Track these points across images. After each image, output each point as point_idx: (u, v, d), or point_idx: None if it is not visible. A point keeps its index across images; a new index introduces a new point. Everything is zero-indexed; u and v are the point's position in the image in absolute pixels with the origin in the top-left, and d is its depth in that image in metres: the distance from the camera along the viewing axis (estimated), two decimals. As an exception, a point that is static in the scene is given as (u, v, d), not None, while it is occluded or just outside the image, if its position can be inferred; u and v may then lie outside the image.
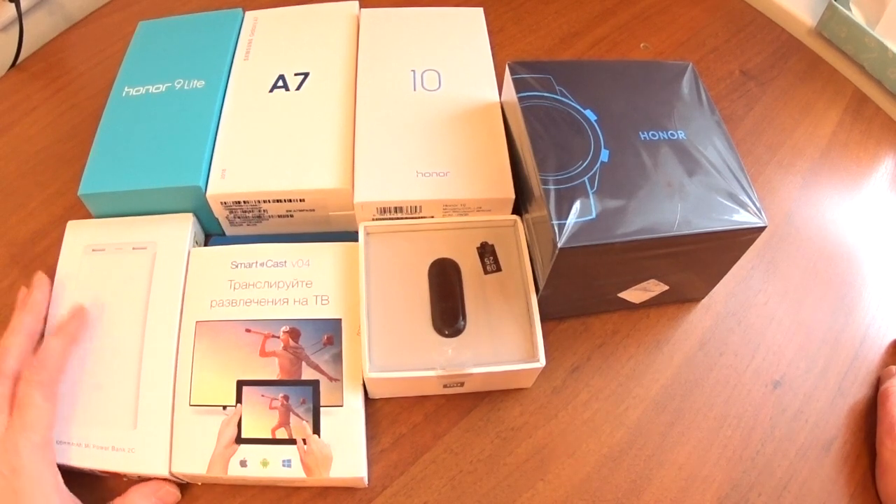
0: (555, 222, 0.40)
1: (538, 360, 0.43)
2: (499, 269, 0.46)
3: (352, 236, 0.47)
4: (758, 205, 0.43)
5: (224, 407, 0.42)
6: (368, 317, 0.44)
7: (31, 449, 0.36)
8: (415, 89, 0.52)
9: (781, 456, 0.45)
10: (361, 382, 0.43)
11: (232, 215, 0.49)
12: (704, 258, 0.45)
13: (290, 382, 0.42)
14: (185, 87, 0.51)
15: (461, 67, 0.53)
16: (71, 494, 0.38)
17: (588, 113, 0.46)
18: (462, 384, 0.44)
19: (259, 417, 0.41)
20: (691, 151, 0.44)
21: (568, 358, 0.48)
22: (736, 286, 0.52)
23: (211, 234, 0.52)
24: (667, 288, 0.47)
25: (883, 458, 0.44)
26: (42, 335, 0.43)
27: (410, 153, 0.48)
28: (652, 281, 0.46)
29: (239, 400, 0.42)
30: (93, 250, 0.46)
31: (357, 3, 0.58)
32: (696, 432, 0.46)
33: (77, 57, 0.62)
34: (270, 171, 0.48)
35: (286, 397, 0.42)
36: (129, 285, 0.45)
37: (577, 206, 0.41)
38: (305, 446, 0.41)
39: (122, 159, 0.48)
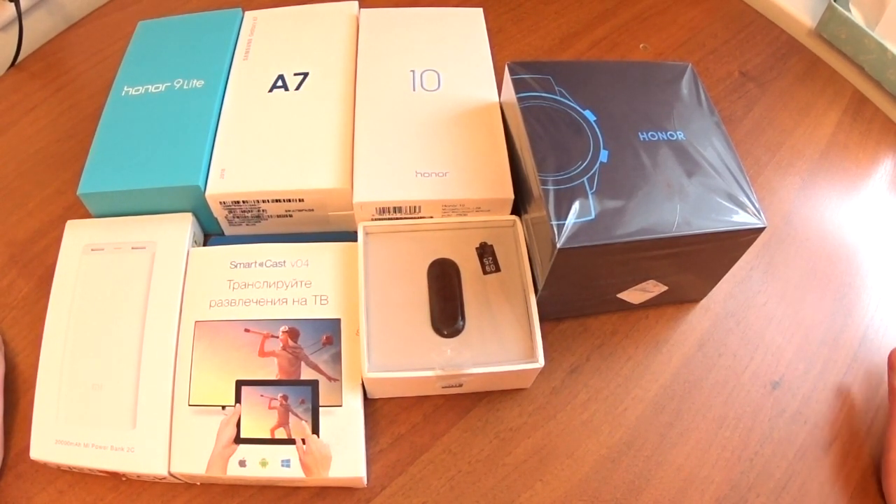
0: (554, 223, 0.40)
1: (537, 361, 0.43)
2: (498, 269, 0.46)
3: (351, 236, 0.47)
4: (757, 205, 0.43)
5: (223, 407, 0.42)
6: (367, 317, 0.44)
7: None
8: (414, 89, 0.52)
9: (780, 457, 0.45)
10: (360, 382, 0.43)
11: (231, 215, 0.49)
12: (703, 259, 0.45)
13: (289, 382, 0.42)
14: (185, 87, 0.51)
15: (461, 68, 0.53)
16: None
17: (587, 113, 0.46)
18: (461, 384, 0.44)
19: (258, 417, 0.41)
20: (690, 152, 0.44)
21: (567, 358, 0.48)
22: (735, 287, 0.52)
23: (210, 234, 0.52)
24: (666, 289, 0.47)
25: (890, 459, 0.43)
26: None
27: (410, 153, 0.48)
28: (651, 282, 0.46)
29: (238, 400, 0.42)
30: (92, 250, 0.46)
31: (356, 3, 0.58)
32: (695, 433, 0.46)
33: (76, 57, 0.62)
34: (269, 170, 0.48)
35: (285, 397, 0.42)
36: (129, 285, 0.45)
37: (576, 206, 0.41)
38: (304, 446, 0.41)
39: (121, 159, 0.48)
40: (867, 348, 0.50)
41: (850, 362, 0.49)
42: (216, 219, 0.50)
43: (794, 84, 0.65)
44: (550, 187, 0.42)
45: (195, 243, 0.49)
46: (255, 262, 0.46)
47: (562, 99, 0.46)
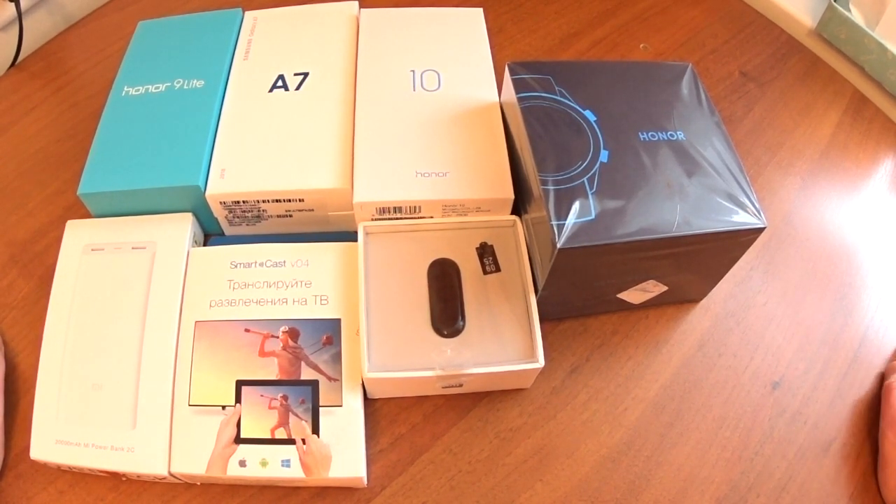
0: (554, 223, 0.40)
1: (537, 361, 0.43)
2: (498, 269, 0.46)
3: (351, 236, 0.47)
4: (757, 205, 0.43)
5: (223, 407, 0.42)
6: (367, 317, 0.44)
7: None
8: (414, 89, 0.52)
9: (780, 457, 0.45)
10: (360, 382, 0.43)
11: (231, 215, 0.49)
12: (703, 259, 0.45)
13: (289, 382, 0.42)
14: (185, 87, 0.51)
15: (461, 68, 0.53)
16: None
17: (587, 113, 0.46)
18: (461, 384, 0.44)
19: (258, 417, 0.41)
20: (691, 152, 0.44)
21: (567, 358, 0.48)
22: (735, 287, 0.52)
23: (210, 234, 0.52)
24: (666, 289, 0.47)
25: (885, 452, 0.44)
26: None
27: (410, 153, 0.48)
28: (651, 282, 0.46)
29: (238, 400, 0.42)
30: (92, 250, 0.46)
31: (357, 3, 0.58)
32: (695, 433, 0.46)
33: (77, 56, 0.62)
34: (270, 170, 0.48)
35: (285, 397, 0.42)
36: (129, 285, 0.45)
37: (576, 206, 0.41)
38: (304, 446, 0.41)
39: (121, 159, 0.48)
40: (867, 348, 0.50)
41: (851, 362, 0.49)
42: (216, 219, 0.50)
43: (795, 84, 0.65)
44: (550, 187, 0.42)
45: (195, 243, 0.49)
46: (255, 262, 0.46)
47: (562, 99, 0.46)
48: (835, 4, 0.64)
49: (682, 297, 0.50)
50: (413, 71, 0.53)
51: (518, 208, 0.48)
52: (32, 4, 0.62)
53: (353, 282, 0.46)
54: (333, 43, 0.55)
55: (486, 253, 0.47)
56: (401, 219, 0.48)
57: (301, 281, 0.46)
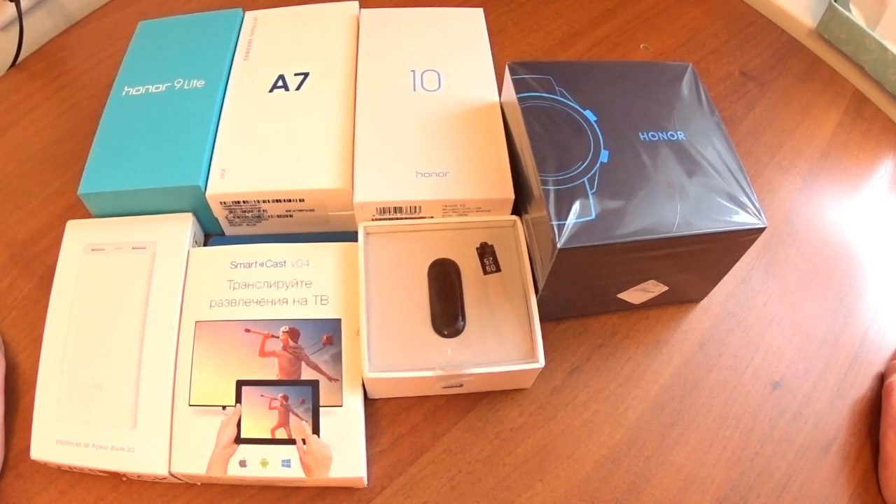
0: (554, 223, 0.40)
1: (537, 361, 0.43)
2: (498, 269, 0.46)
3: (351, 236, 0.47)
4: (757, 206, 0.43)
5: (223, 407, 0.42)
6: (368, 317, 0.44)
7: None
8: (415, 89, 0.52)
9: (780, 457, 0.45)
10: (361, 382, 0.43)
11: (231, 215, 0.49)
12: (704, 259, 0.45)
13: (289, 382, 0.42)
14: (185, 87, 0.51)
15: (461, 68, 0.53)
16: None
17: (588, 113, 0.46)
18: (461, 384, 0.44)
19: (258, 417, 0.41)
20: (691, 152, 0.44)
21: (567, 358, 0.48)
22: (735, 287, 0.52)
23: (210, 234, 0.52)
24: (666, 289, 0.47)
25: (885, 451, 0.44)
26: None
27: (410, 153, 0.48)
28: (651, 282, 0.46)
29: (238, 400, 0.42)
30: (92, 250, 0.46)
31: (357, 3, 0.58)
32: (695, 433, 0.46)
33: (77, 57, 0.62)
34: (270, 171, 0.48)
35: (286, 397, 0.42)
36: (129, 285, 0.45)
37: (576, 206, 0.41)
38: (305, 446, 0.41)
39: (121, 159, 0.48)
40: (868, 348, 0.50)
41: (851, 362, 0.49)
42: (216, 219, 0.50)
43: (795, 84, 0.65)
44: (551, 187, 0.42)
45: (195, 243, 0.49)
46: (256, 262, 0.46)
47: (562, 99, 0.46)
48: (835, 4, 0.64)
49: (682, 297, 0.50)
50: (413, 71, 0.53)
51: (518, 208, 0.48)
52: (32, 4, 0.62)
53: (353, 282, 0.46)
54: (333, 43, 0.55)
55: (486, 253, 0.47)
56: (401, 219, 0.48)
57: (301, 281, 0.46)
